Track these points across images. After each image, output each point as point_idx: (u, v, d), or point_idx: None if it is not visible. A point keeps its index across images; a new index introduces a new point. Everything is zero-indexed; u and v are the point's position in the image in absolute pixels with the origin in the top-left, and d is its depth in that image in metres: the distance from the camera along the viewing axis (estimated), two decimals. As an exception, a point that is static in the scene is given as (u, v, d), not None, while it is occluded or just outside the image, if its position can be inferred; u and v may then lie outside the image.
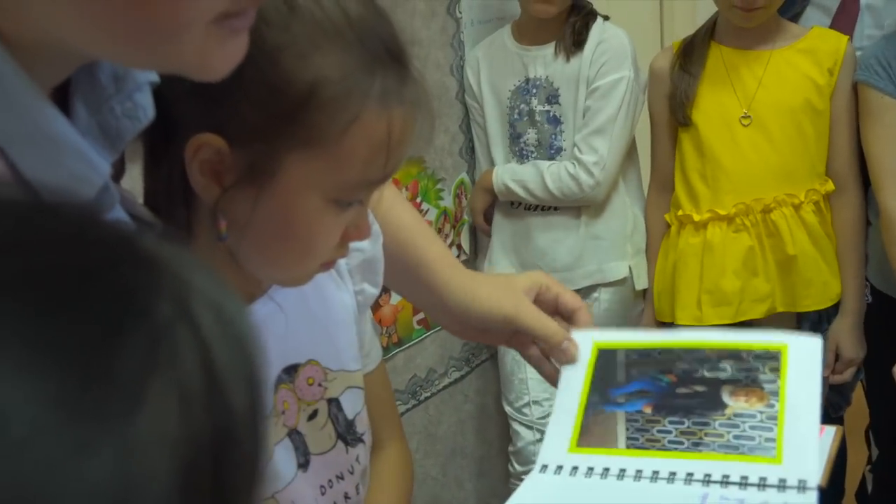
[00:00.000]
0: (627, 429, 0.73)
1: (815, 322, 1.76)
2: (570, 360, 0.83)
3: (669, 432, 0.71)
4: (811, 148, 1.71)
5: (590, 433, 0.74)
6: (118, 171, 0.65)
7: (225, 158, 0.65)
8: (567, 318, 0.88)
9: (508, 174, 1.90)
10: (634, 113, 1.86)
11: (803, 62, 1.70)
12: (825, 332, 1.74)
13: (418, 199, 1.94)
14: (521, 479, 2.20)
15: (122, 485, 0.23)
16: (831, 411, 1.90)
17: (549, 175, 1.85)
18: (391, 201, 0.89)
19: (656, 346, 0.78)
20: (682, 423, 0.71)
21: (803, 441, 0.67)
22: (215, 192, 0.67)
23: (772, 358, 0.72)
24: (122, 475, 0.23)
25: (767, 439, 0.67)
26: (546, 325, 0.85)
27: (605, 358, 0.79)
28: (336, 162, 0.65)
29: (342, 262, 0.83)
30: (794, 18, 1.85)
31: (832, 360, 1.74)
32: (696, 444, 0.69)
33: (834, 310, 1.75)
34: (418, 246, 0.91)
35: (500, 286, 0.89)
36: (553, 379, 0.86)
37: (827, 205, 1.73)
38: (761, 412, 0.69)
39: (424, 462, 1.92)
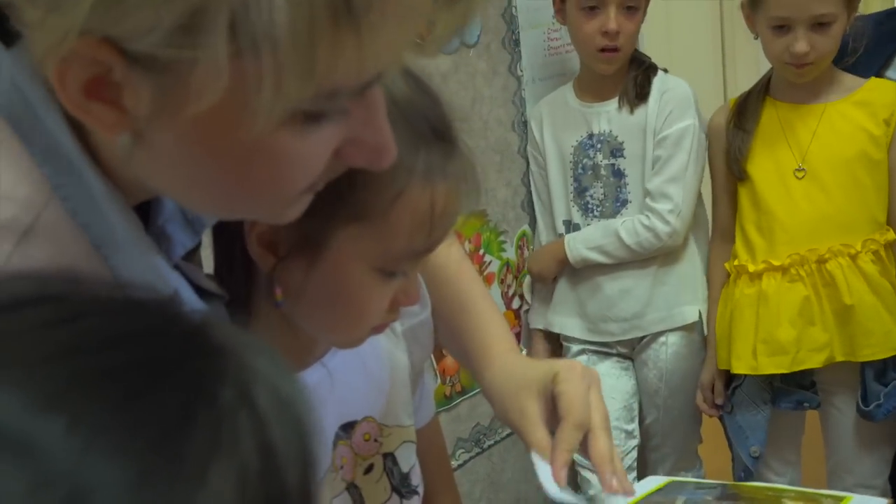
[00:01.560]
0: None
1: (879, 371, 1.74)
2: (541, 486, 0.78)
3: None
4: (869, 198, 1.71)
5: None
6: (195, 247, 0.73)
7: (279, 231, 0.71)
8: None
9: (582, 244, 1.93)
10: (703, 161, 1.90)
11: (858, 114, 1.72)
12: (893, 383, 1.73)
13: (481, 251, 2.01)
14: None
15: None
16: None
17: (625, 232, 1.88)
18: (456, 263, 0.93)
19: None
20: None
21: None
22: (271, 261, 0.73)
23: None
24: None
25: None
26: (534, 440, 0.80)
27: None
28: (382, 235, 0.70)
29: (396, 323, 0.88)
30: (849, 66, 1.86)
31: None
32: None
33: (899, 358, 1.73)
34: (467, 327, 0.92)
35: (513, 393, 0.83)
36: None
37: (889, 254, 1.73)
38: None
39: (488, 509, 1.96)
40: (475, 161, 0.76)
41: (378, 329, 0.78)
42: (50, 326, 0.30)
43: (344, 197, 0.69)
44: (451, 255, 0.94)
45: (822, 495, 0.75)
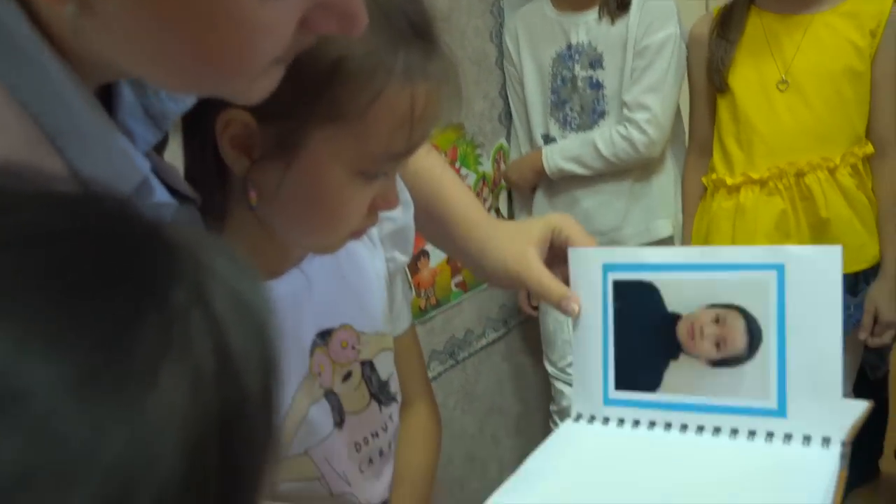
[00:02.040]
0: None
1: (852, 284, 1.76)
2: (571, 315, 0.82)
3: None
4: (850, 111, 1.69)
5: (624, 373, 0.76)
6: (161, 145, 0.70)
7: (253, 132, 0.68)
8: None
9: (559, 155, 1.92)
10: (682, 72, 1.87)
11: (845, 25, 1.68)
12: (863, 294, 1.75)
13: (457, 165, 1.98)
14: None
15: (131, 463, 0.24)
16: (870, 374, 1.91)
17: (602, 142, 1.86)
18: (422, 156, 0.89)
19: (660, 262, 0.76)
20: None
21: (818, 392, 0.66)
22: (245, 164, 0.70)
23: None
24: (132, 454, 0.24)
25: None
26: (544, 286, 0.83)
27: (613, 272, 0.79)
28: (360, 136, 0.67)
29: (374, 229, 0.86)
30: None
31: (870, 324, 1.74)
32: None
33: (871, 272, 1.74)
34: (444, 199, 0.92)
35: (510, 240, 0.87)
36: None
37: (866, 167, 1.72)
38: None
39: (462, 420, 1.98)
40: (457, 63, 0.73)
41: (356, 234, 0.76)
42: None
43: (320, 96, 0.66)
44: (430, 161, 0.92)
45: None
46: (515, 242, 0.86)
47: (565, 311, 0.83)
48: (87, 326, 0.25)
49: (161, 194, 0.55)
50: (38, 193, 0.30)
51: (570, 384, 2.01)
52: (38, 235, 0.27)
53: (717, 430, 0.69)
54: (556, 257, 0.86)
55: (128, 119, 0.55)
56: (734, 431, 0.68)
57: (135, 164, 0.50)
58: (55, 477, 0.23)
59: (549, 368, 2.02)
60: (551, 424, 2.04)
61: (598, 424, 0.74)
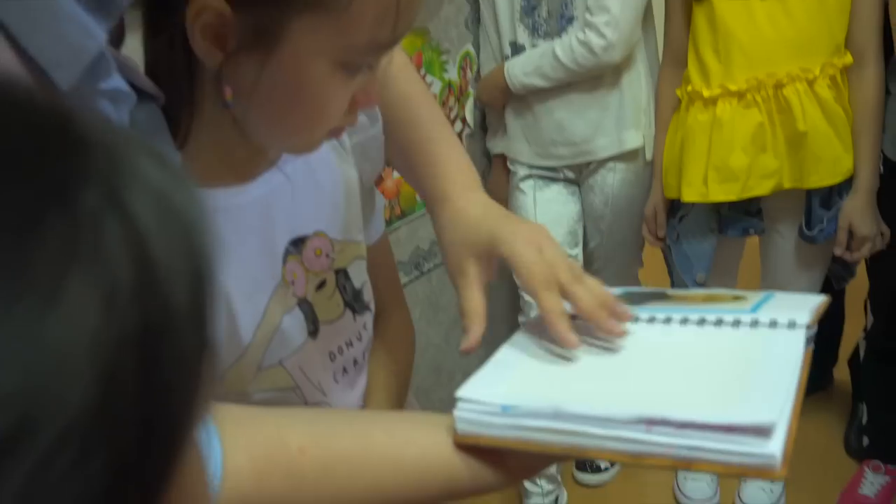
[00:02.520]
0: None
1: (825, 197, 1.75)
2: (464, 347, 0.76)
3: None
4: (831, 19, 1.65)
5: None
6: (117, 39, 0.64)
7: (227, 22, 0.62)
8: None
9: (519, 70, 1.86)
10: None
11: (829, -70, 1.63)
12: (836, 207, 1.75)
13: (422, 71, 1.91)
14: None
15: (30, 393, 0.21)
16: (835, 283, 1.93)
17: (561, 50, 1.80)
18: (407, 82, 0.87)
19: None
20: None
21: (792, 304, 0.69)
22: (218, 57, 0.64)
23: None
24: (30, 380, 0.21)
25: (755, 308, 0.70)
26: (467, 299, 0.78)
27: None
28: (343, 25, 0.62)
29: (345, 138, 0.83)
30: None
31: (845, 239, 1.75)
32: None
33: (846, 185, 1.74)
34: (421, 158, 0.87)
35: (457, 242, 0.81)
36: None
37: (844, 79, 1.69)
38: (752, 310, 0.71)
39: (427, 330, 1.96)
40: None
41: (335, 132, 0.72)
42: None
43: None
44: (400, 73, 0.86)
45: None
46: (459, 251, 0.80)
47: (463, 341, 0.76)
48: None
49: (118, 80, 0.50)
50: None
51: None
52: None
53: (684, 321, 0.69)
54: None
55: (74, 5, 0.49)
56: (702, 321, 0.69)
57: (89, 32, 0.44)
58: None
59: (516, 279, 2.00)
60: (517, 336, 2.03)
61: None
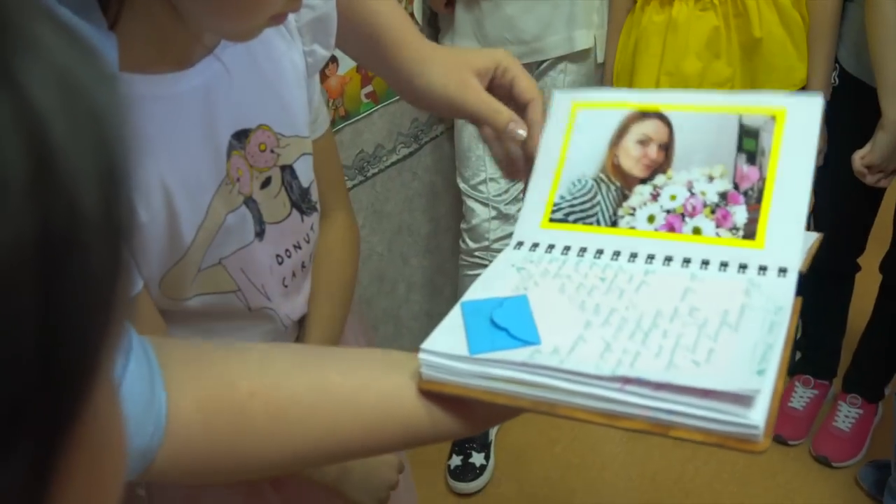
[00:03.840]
0: (601, 207, 0.69)
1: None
2: (518, 138, 0.77)
3: (645, 210, 0.67)
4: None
5: (565, 206, 0.69)
6: None
7: None
8: (520, 107, 0.79)
9: None
10: None
11: None
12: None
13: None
14: (474, 256, 2.18)
15: None
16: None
17: None
18: None
19: (640, 109, 0.71)
20: (659, 195, 0.67)
21: (788, 226, 0.63)
22: None
23: (766, 128, 0.66)
24: None
25: (748, 226, 0.64)
26: (490, 107, 0.78)
27: (585, 116, 0.73)
28: None
29: (291, 18, 0.76)
30: None
31: None
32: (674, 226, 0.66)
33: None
34: (374, 10, 0.82)
35: (451, 64, 0.80)
36: (503, 162, 0.81)
37: (803, -17, 1.65)
38: (746, 199, 0.65)
39: (370, 238, 1.90)
40: None
41: (276, 19, 0.65)
42: None
43: None
44: None
45: (750, 126, 0.67)
46: (457, 68, 0.79)
47: (512, 135, 0.77)
48: None
49: None
50: None
51: (481, 202, 1.97)
52: None
53: (668, 259, 0.64)
54: (495, 94, 0.79)
55: None
56: (686, 261, 0.63)
57: None
58: None
59: (462, 185, 1.94)
60: (461, 243, 1.99)
61: (540, 253, 0.67)
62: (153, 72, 0.66)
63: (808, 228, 0.65)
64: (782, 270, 0.61)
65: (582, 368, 0.52)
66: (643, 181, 0.68)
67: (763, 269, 0.61)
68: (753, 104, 0.67)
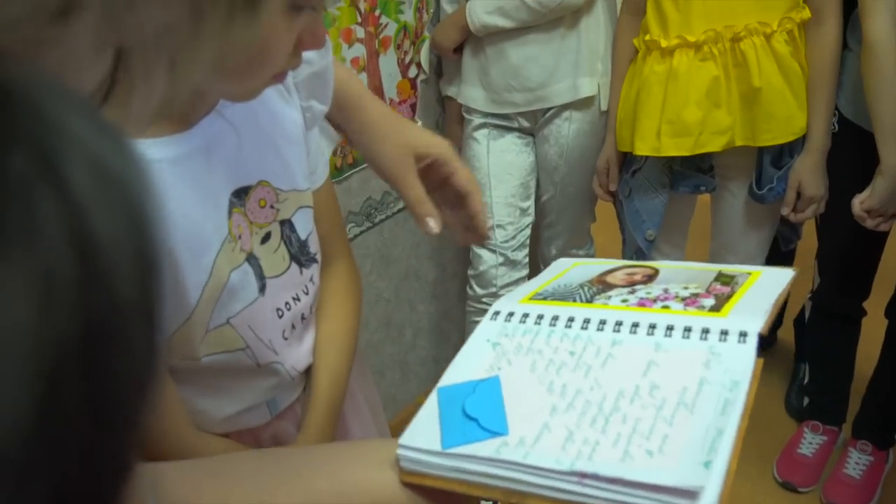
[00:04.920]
0: (579, 293, 0.73)
1: (776, 155, 1.74)
2: (429, 232, 0.84)
3: (620, 296, 0.71)
4: (791, -28, 1.63)
5: (547, 294, 0.74)
6: None
7: None
8: (458, 199, 0.86)
9: (481, 9, 1.80)
10: None
11: None
12: (787, 166, 1.74)
13: (377, 12, 1.83)
14: (481, 302, 2.18)
15: None
16: (782, 245, 1.93)
17: None
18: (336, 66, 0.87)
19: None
20: (636, 291, 0.72)
21: (754, 303, 0.66)
22: None
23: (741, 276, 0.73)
24: None
25: (715, 306, 0.68)
26: (418, 197, 0.84)
27: (582, 266, 0.80)
28: None
29: (289, 75, 0.78)
30: None
31: (793, 199, 1.74)
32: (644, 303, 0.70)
33: (797, 144, 1.73)
34: (347, 81, 0.88)
35: (397, 144, 0.86)
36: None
37: (801, 34, 1.67)
38: (715, 297, 0.69)
39: (378, 284, 1.92)
40: None
41: (278, 77, 0.68)
42: None
43: None
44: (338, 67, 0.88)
45: (727, 276, 0.73)
46: (401, 149, 0.86)
47: (425, 228, 0.84)
48: None
49: None
50: None
51: (489, 249, 1.99)
52: None
53: (635, 326, 0.67)
54: (428, 178, 0.86)
55: None
56: (652, 327, 0.66)
57: None
58: None
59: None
60: (468, 289, 2.00)
61: (514, 322, 0.71)
62: (154, 134, 0.68)
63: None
64: (743, 335, 0.63)
65: (544, 463, 0.56)
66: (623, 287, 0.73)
67: (724, 333, 0.63)
68: (733, 267, 0.74)
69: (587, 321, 0.68)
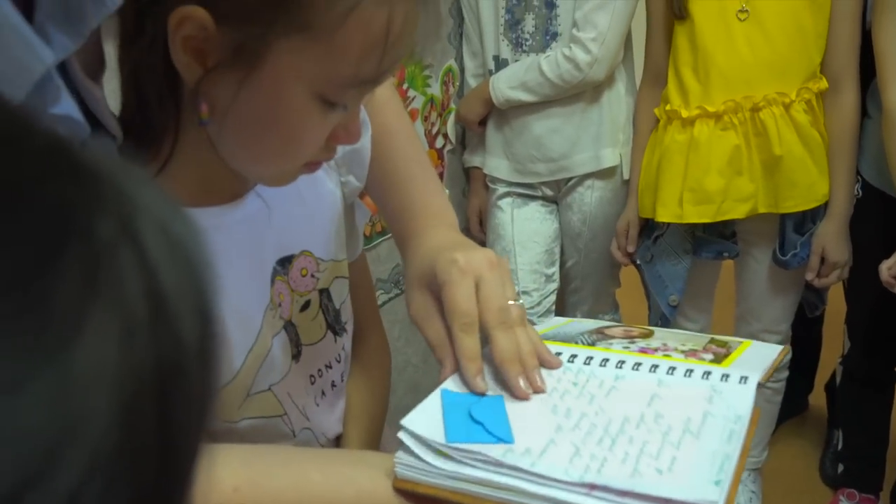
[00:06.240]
0: (581, 338, 0.76)
1: (798, 222, 1.76)
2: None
3: (621, 344, 0.74)
4: (809, 44, 1.67)
5: (547, 337, 0.75)
6: (95, 70, 0.60)
7: (210, 36, 0.60)
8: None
9: (505, 83, 1.86)
10: None
11: (808, -47, 1.64)
12: (810, 232, 1.75)
13: (405, 86, 1.89)
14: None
15: (57, 425, 0.20)
16: (808, 311, 1.93)
17: (547, 65, 1.80)
18: (394, 117, 0.85)
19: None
20: (635, 342, 0.74)
21: (753, 360, 0.69)
22: (197, 72, 0.62)
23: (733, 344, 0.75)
24: (57, 415, 0.20)
25: (714, 360, 0.70)
26: (429, 334, 0.71)
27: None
28: (328, 53, 0.60)
29: None
30: None
31: (817, 264, 1.75)
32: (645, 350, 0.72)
33: (819, 210, 1.74)
34: (393, 193, 0.84)
35: (413, 278, 0.75)
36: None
37: (820, 103, 1.71)
38: (714, 354, 0.71)
39: (406, 350, 1.94)
40: None
41: (310, 167, 0.69)
42: None
43: (291, 2, 0.58)
44: (385, 104, 0.85)
45: (720, 341, 0.76)
46: (412, 286, 0.75)
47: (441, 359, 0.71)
48: None
49: (69, 107, 0.47)
50: None
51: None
52: None
53: (637, 365, 0.68)
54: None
55: (46, 23, 0.47)
56: (654, 366, 0.68)
57: (35, 51, 0.42)
58: None
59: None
60: (494, 355, 2.01)
61: None
62: (207, 203, 0.71)
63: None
64: (743, 378, 0.65)
65: (552, 473, 0.54)
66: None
67: (726, 376, 0.66)
68: (725, 337, 0.77)
69: (590, 358, 0.69)
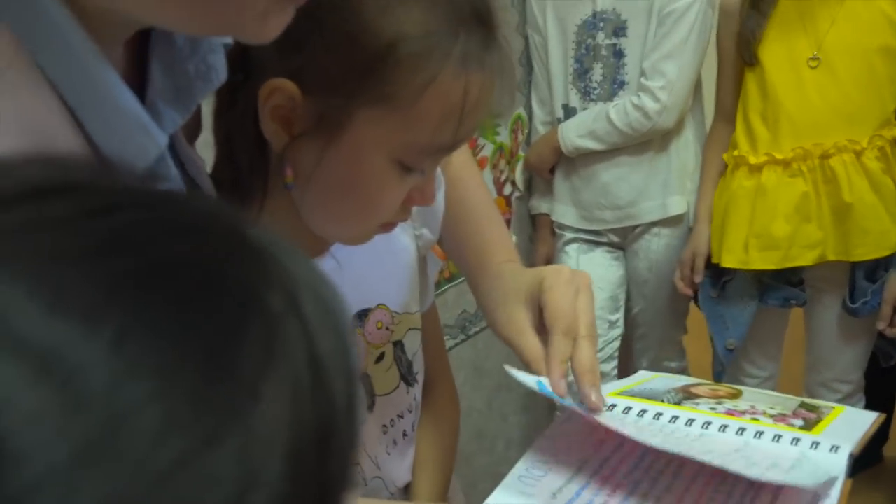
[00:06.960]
0: (667, 396, 0.75)
1: (870, 270, 1.73)
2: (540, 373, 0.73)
3: (708, 405, 0.73)
4: (882, 91, 1.65)
5: (633, 393, 0.75)
6: (193, 132, 0.65)
7: (297, 106, 0.64)
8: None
9: (573, 132, 1.88)
10: (705, 40, 1.82)
11: (882, 0, 1.63)
12: (882, 280, 1.72)
13: (475, 134, 1.93)
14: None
15: (243, 476, 0.23)
16: (882, 361, 1.89)
17: (615, 113, 1.82)
18: (462, 167, 0.88)
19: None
20: (722, 402, 0.73)
21: (846, 428, 0.67)
22: (284, 139, 0.66)
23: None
24: (243, 467, 0.23)
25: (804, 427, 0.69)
26: (525, 348, 0.74)
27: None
28: (407, 122, 0.64)
29: None
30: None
31: (889, 313, 1.71)
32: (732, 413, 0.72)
33: (892, 258, 1.71)
34: (467, 236, 0.88)
35: (503, 300, 0.79)
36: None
37: (894, 150, 1.68)
38: (804, 420, 0.70)
39: (471, 395, 1.95)
40: (512, 56, 0.70)
41: (386, 227, 0.73)
42: (84, 218, 0.24)
43: (372, 75, 0.63)
44: (455, 157, 0.87)
45: (811, 405, 0.74)
46: (507, 303, 0.78)
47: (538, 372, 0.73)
48: (193, 340, 0.24)
49: (178, 181, 0.52)
50: (129, 189, 0.27)
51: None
52: (145, 236, 0.25)
53: (724, 427, 0.67)
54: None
55: (158, 101, 0.51)
56: (741, 430, 0.67)
57: (150, 134, 0.47)
58: (169, 495, 0.22)
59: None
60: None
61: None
62: None
63: None
64: (834, 447, 0.63)
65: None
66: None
67: (815, 444, 0.64)
68: (817, 401, 0.76)
69: (675, 417, 0.68)
